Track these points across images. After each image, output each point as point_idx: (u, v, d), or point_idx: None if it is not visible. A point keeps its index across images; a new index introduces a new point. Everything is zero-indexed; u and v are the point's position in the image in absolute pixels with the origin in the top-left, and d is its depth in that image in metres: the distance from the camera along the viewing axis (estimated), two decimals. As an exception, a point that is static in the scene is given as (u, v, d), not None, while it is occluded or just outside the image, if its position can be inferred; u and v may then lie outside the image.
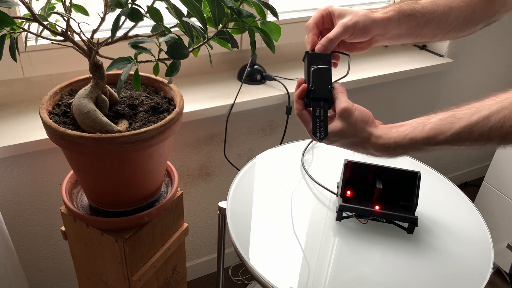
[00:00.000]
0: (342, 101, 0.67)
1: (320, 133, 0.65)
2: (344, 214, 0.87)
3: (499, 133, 0.56)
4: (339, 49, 0.75)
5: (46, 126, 0.78)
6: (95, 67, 0.80)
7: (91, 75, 0.82)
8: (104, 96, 0.84)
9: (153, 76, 0.94)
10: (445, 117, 0.61)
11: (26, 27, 0.74)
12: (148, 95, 0.92)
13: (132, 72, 0.73)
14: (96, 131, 0.78)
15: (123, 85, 0.93)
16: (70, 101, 0.86)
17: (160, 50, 0.71)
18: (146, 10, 0.69)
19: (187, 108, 1.16)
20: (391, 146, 0.63)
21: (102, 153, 0.78)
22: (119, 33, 0.73)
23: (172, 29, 0.71)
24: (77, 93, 0.82)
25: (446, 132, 0.59)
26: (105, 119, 0.80)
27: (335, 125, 0.66)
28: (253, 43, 0.75)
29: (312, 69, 0.68)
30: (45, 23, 0.72)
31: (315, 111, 0.67)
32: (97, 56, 0.78)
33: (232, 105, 1.23)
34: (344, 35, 0.70)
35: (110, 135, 0.75)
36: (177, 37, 0.69)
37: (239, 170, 0.98)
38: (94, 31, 0.77)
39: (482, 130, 0.57)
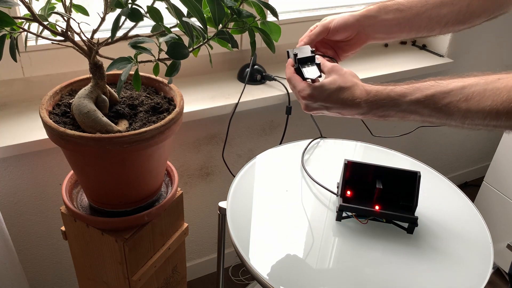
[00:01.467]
0: (329, 63, 0.73)
1: (313, 75, 0.72)
2: (344, 214, 0.87)
3: (466, 105, 0.59)
4: (335, 52, 0.83)
5: (46, 126, 0.78)
6: (95, 67, 0.80)
7: (91, 75, 0.82)
8: (104, 96, 0.84)
9: (153, 76, 0.94)
10: (426, 81, 0.65)
11: (26, 27, 0.74)
12: (148, 95, 0.92)
13: (132, 72, 0.73)
14: (96, 131, 0.78)
15: (123, 85, 0.93)
16: (70, 101, 0.86)
17: (160, 50, 0.71)
18: (146, 10, 0.69)
19: (187, 108, 1.16)
20: (372, 91, 0.68)
21: (102, 153, 0.78)
22: (119, 33, 0.73)
23: (172, 29, 0.71)
24: (77, 93, 0.82)
25: (423, 91, 0.63)
26: (105, 119, 0.80)
27: (326, 78, 0.71)
28: (253, 43, 0.75)
29: (295, 51, 0.76)
30: (45, 23, 0.72)
31: (304, 66, 0.74)
32: (97, 56, 0.78)
33: (236, 104, 1.23)
34: (322, 33, 0.78)
35: (110, 135, 0.75)
36: (177, 37, 0.69)
37: (234, 175, 0.98)
38: (94, 31, 0.77)
39: (451, 99, 0.61)
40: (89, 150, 0.76)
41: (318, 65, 0.74)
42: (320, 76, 0.72)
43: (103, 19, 0.74)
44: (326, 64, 0.73)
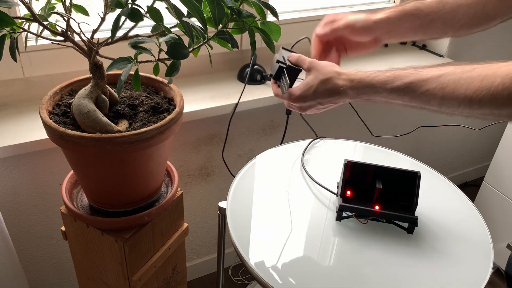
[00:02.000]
0: (306, 59, 0.76)
1: (286, 89, 0.77)
2: (344, 214, 0.87)
3: (441, 93, 0.62)
4: (347, 50, 0.86)
5: (46, 126, 0.78)
6: (95, 67, 0.80)
7: (91, 75, 0.82)
8: (104, 96, 0.84)
9: (153, 76, 0.94)
10: (406, 69, 0.68)
11: (26, 27, 0.74)
12: (148, 95, 0.92)
13: (132, 72, 0.73)
14: (96, 131, 0.78)
15: (123, 85, 0.93)
16: (70, 101, 0.86)
17: (160, 50, 0.71)
18: (146, 10, 0.69)
19: (187, 108, 1.16)
20: (355, 79, 0.70)
21: (102, 153, 0.78)
22: (119, 33, 0.73)
23: (172, 29, 0.71)
24: (77, 93, 0.82)
25: (402, 79, 0.66)
26: (105, 119, 0.80)
27: (308, 76, 0.75)
28: (253, 43, 0.75)
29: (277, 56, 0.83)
30: (45, 23, 0.72)
31: (279, 77, 0.79)
32: (97, 56, 0.78)
33: (236, 104, 1.23)
34: (346, 30, 0.81)
35: (110, 135, 0.75)
36: (177, 37, 0.69)
37: (234, 176, 0.98)
38: (94, 31, 0.77)
39: (429, 87, 0.63)
40: (89, 150, 0.76)
41: (290, 72, 0.78)
42: (291, 86, 0.77)
43: (103, 19, 0.74)
44: (305, 61, 0.76)
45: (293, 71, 0.78)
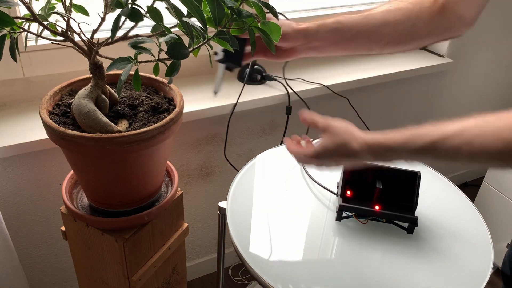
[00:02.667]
0: (320, 121, 0.73)
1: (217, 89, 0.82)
2: (344, 214, 0.87)
3: (468, 148, 0.57)
4: (265, 53, 0.82)
5: (46, 126, 0.78)
6: (95, 67, 0.80)
7: (91, 75, 0.82)
8: (104, 96, 0.84)
9: (153, 76, 0.94)
10: (424, 126, 0.63)
11: (26, 27, 0.74)
12: (148, 95, 0.92)
13: (132, 72, 0.73)
14: (96, 131, 0.78)
15: (123, 85, 0.93)
16: (70, 101, 0.86)
17: (160, 50, 0.71)
18: (146, 10, 0.69)
19: (187, 108, 1.16)
20: (373, 144, 0.66)
21: (102, 153, 0.78)
22: (119, 33, 0.73)
23: (172, 29, 0.71)
24: (77, 93, 0.82)
25: (423, 138, 0.61)
26: (105, 119, 0.80)
27: (323, 139, 0.71)
28: (253, 43, 0.75)
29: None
30: (45, 23, 0.72)
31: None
32: (97, 56, 0.78)
33: (235, 104, 1.23)
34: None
35: (110, 135, 0.75)
36: (177, 37, 0.69)
37: (238, 170, 0.98)
38: (94, 31, 0.77)
39: (453, 144, 0.59)
40: (89, 150, 0.76)
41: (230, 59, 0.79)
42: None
43: (103, 19, 0.74)
44: (320, 122, 0.73)
45: (233, 58, 0.77)
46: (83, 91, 0.82)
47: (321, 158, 0.72)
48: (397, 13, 0.77)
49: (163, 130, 0.80)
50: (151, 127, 0.77)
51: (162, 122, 0.79)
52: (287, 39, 0.76)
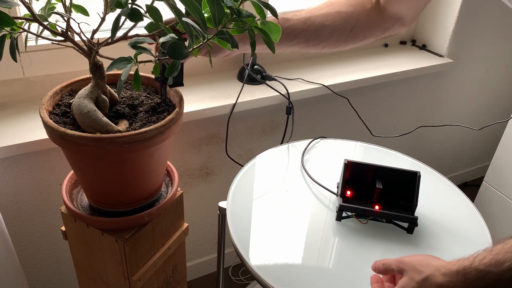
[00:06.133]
0: (393, 262, 0.68)
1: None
2: (344, 214, 0.87)
3: None
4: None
5: (46, 126, 0.78)
6: (95, 67, 0.80)
7: (91, 75, 0.82)
8: (104, 96, 0.84)
9: (153, 76, 0.94)
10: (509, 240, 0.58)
11: (26, 27, 0.74)
12: (148, 95, 0.92)
13: (132, 72, 0.73)
14: (96, 131, 0.78)
15: (123, 85, 0.93)
16: (70, 101, 0.87)
17: (160, 50, 0.71)
18: (145, 9, 0.69)
19: (187, 108, 1.16)
20: (459, 270, 0.61)
21: (102, 153, 0.78)
22: (119, 33, 0.73)
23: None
24: (77, 93, 0.82)
25: (504, 263, 0.56)
26: (105, 119, 0.80)
27: (401, 281, 0.65)
28: (253, 43, 0.75)
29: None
30: (45, 23, 0.72)
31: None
32: (97, 56, 0.78)
33: (234, 105, 1.23)
34: None
35: (110, 135, 0.75)
36: (177, 37, 0.69)
37: (242, 166, 0.98)
38: (94, 31, 0.77)
39: None
40: (89, 150, 0.76)
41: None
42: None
43: (103, 19, 0.74)
44: (393, 264, 0.68)
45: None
46: (83, 91, 0.82)
47: None
48: (336, 18, 0.78)
49: (163, 130, 0.80)
50: (151, 127, 0.78)
51: (162, 122, 0.79)
52: None
